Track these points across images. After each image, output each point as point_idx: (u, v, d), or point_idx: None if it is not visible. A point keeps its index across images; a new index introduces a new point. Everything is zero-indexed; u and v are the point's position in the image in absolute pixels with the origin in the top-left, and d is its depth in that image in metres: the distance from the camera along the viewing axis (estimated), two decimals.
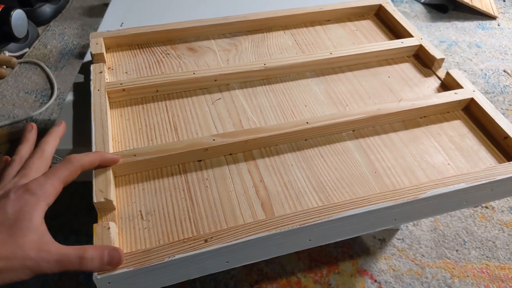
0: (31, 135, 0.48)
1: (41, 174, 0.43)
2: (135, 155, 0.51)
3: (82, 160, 0.45)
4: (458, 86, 0.62)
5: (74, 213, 0.83)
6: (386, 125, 0.59)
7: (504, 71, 1.18)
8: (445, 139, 0.57)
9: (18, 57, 1.17)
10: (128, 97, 0.61)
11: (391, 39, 0.74)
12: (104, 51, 0.66)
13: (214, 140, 0.53)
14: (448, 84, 0.64)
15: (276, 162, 0.54)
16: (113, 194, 0.48)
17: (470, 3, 1.41)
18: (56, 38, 1.23)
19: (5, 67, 1.14)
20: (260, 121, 0.59)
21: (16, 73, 1.14)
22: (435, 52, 0.67)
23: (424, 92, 0.64)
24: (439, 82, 0.65)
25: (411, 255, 0.78)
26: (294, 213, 0.46)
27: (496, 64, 1.22)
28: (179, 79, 0.61)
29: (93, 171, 0.49)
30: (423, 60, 0.69)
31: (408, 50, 0.70)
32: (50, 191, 0.41)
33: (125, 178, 0.52)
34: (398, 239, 0.80)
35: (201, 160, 0.54)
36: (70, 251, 0.39)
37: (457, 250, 0.79)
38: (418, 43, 0.69)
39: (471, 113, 0.60)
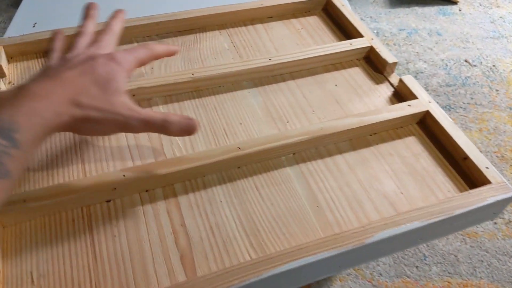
0: (94, 12, 0.51)
1: (112, 49, 0.47)
2: (25, 201, 0.42)
3: (157, 48, 0.49)
4: (412, 95, 0.55)
5: None
6: (331, 145, 0.51)
7: (466, 61, 1.12)
8: (398, 160, 0.50)
9: None
10: None
11: (339, 38, 0.66)
12: (4, 63, 0.56)
13: (124, 176, 0.44)
14: (401, 92, 0.57)
15: (202, 199, 0.46)
16: None
17: None
18: None
19: None
20: (186, 145, 0.50)
21: None
22: (387, 55, 0.59)
23: (375, 102, 0.56)
24: (392, 90, 0.58)
25: (368, 275, 0.72)
26: (216, 274, 0.38)
27: (458, 53, 1.16)
28: None
29: None
30: (374, 64, 0.61)
31: (357, 53, 0.62)
32: (130, 65, 0.45)
33: (15, 228, 0.42)
34: None
35: (110, 201, 0.45)
36: (156, 114, 0.42)
37: (417, 267, 0.73)
38: (369, 45, 0.61)
39: (427, 127, 0.53)
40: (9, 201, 0.42)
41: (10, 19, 1.18)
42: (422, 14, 1.31)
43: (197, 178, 0.47)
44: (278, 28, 0.68)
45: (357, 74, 0.60)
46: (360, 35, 0.63)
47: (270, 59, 0.58)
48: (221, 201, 0.45)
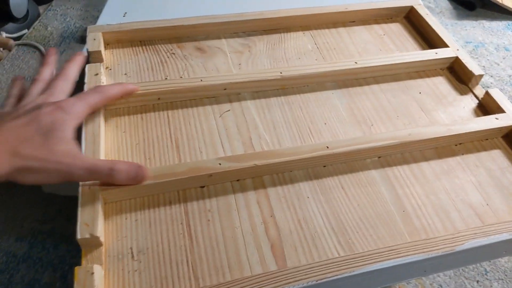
0: (52, 59, 0.52)
1: (65, 95, 0.47)
2: None
3: (110, 91, 0.49)
4: (498, 109, 0.55)
5: (67, 218, 0.76)
6: (416, 152, 0.52)
7: None
8: (483, 172, 0.50)
9: (15, 39, 1.09)
10: (126, 104, 0.54)
11: (422, 46, 0.66)
12: (102, 49, 0.59)
13: (220, 164, 0.46)
14: (486, 105, 0.57)
15: (289, 193, 0.47)
16: (101, 227, 0.42)
17: (500, 1, 1.32)
18: (57, 19, 1.15)
19: (1, 49, 1.06)
20: (273, 140, 0.52)
21: (13, 56, 1.07)
22: (473, 66, 0.59)
23: (460, 113, 0.56)
24: (476, 102, 0.58)
25: (428, 285, 0.71)
26: (309, 265, 0.40)
27: None
28: (184, 86, 0.54)
29: (80, 199, 0.42)
30: (458, 75, 0.61)
31: (442, 62, 0.62)
32: (80, 112, 0.45)
33: (116, 205, 0.45)
34: None
35: (204, 186, 0.47)
36: (101, 162, 0.42)
37: (477, 281, 0.72)
38: (454, 55, 0.61)
39: None
40: None
41: (85, 7, 1.24)
42: (489, 28, 1.29)
43: (285, 172, 0.49)
44: (360, 32, 0.68)
45: (441, 84, 0.60)
46: (445, 45, 0.63)
47: (356, 62, 0.59)
48: (308, 197, 0.47)
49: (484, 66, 1.16)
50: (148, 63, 0.60)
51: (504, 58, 1.19)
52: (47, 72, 0.51)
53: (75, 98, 0.46)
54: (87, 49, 0.57)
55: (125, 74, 0.58)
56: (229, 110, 0.55)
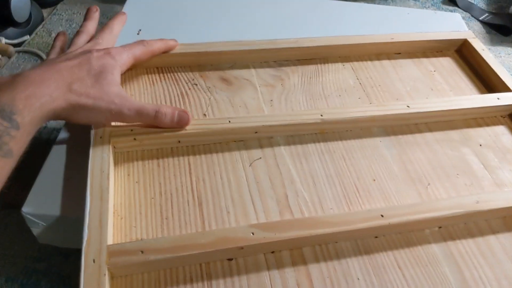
0: (96, 15, 0.53)
1: (110, 46, 0.49)
2: (142, 252, 0.36)
3: (153, 45, 0.51)
4: None
5: (65, 255, 0.67)
6: (482, 222, 0.43)
7: None
8: None
9: (16, 45, 1.00)
10: (140, 147, 0.45)
11: (478, 87, 0.58)
12: None
13: (253, 234, 0.38)
14: None
15: (335, 271, 0.39)
16: None
17: None
18: (62, 25, 1.06)
19: (0, 56, 0.98)
20: (313, 199, 0.44)
21: (13, 65, 0.98)
22: None
23: None
24: None
25: None
26: None
27: None
28: (209, 128, 0.46)
29: (82, 271, 0.34)
30: None
31: (504, 110, 0.54)
32: (125, 60, 0.47)
33: (125, 280, 0.37)
34: None
35: (232, 259, 0.39)
36: (148, 105, 0.44)
37: None
38: None
39: None
40: (125, 250, 0.36)
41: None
42: None
43: (329, 243, 0.41)
44: (407, 67, 0.60)
45: (503, 134, 0.52)
46: (507, 88, 0.55)
47: (408, 106, 0.51)
48: (358, 279, 0.38)
49: None
50: (167, 96, 0.51)
51: None
52: (91, 25, 0.52)
53: (121, 48, 0.47)
54: None
55: None
56: (260, 158, 0.46)
